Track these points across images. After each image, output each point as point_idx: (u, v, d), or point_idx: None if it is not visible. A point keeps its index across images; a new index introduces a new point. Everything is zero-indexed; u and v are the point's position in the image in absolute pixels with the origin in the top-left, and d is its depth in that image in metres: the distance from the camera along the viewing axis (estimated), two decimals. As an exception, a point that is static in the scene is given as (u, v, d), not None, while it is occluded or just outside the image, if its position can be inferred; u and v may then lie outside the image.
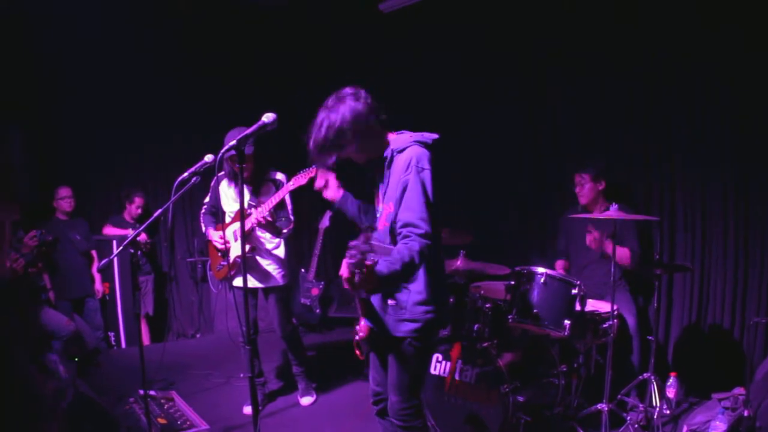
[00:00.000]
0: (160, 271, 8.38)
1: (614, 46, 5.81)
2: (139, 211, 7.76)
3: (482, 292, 5.06)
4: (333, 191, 3.54)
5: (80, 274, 7.22)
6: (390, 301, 3.21)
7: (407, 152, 3.10)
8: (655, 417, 4.73)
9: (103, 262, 4.25)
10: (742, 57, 5.03)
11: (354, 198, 3.55)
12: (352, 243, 2.63)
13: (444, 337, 4.70)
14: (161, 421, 5.00)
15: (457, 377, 4.56)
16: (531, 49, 6.48)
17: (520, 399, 4.36)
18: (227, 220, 5.27)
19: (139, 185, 8.05)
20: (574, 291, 4.57)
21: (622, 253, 5.22)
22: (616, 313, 4.77)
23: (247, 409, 5.36)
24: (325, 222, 7.66)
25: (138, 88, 7.70)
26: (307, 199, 5.44)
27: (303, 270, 7.89)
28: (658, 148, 5.71)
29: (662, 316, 5.71)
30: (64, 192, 7.11)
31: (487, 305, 4.89)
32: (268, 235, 5.20)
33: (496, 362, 4.39)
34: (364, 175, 3.45)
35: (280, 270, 5.26)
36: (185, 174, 3.96)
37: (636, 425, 4.63)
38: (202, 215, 5.48)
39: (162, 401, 5.39)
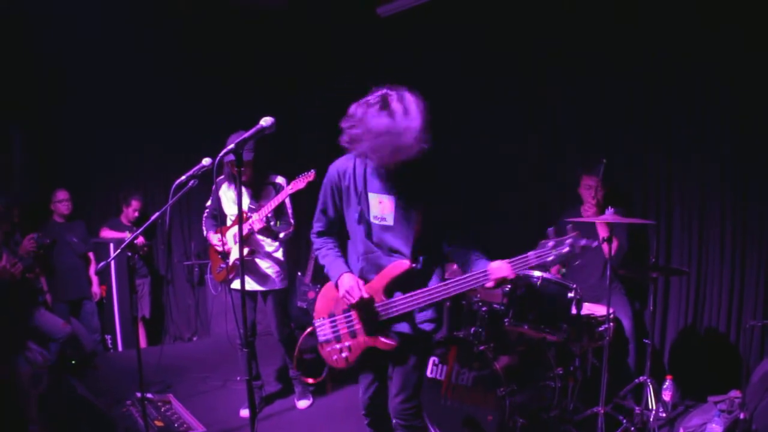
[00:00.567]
0: (156, 274, 8.37)
1: (614, 46, 5.82)
2: (136, 214, 7.76)
3: (479, 295, 5.07)
4: None
5: (77, 277, 7.22)
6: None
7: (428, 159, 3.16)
8: (651, 420, 4.75)
9: (101, 264, 4.26)
10: (742, 57, 5.04)
11: None
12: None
13: (441, 341, 4.71)
14: (158, 423, 5.00)
15: (453, 380, 4.57)
16: (531, 49, 6.47)
17: (517, 402, 4.37)
18: (228, 223, 5.28)
19: (138, 187, 8.04)
20: (570, 294, 4.59)
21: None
22: (612, 316, 4.78)
23: (244, 412, 5.37)
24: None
25: (138, 88, 7.70)
26: (305, 202, 5.43)
27: (300, 273, 7.89)
28: (657, 149, 5.71)
29: (658, 319, 5.71)
30: (62, 195, 7.11)
31: (484, 309, 4.90)
32: (268, 239, 5.22)
33: (493, 365, 4.40)
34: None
35: (279, 273, 5.27)
36: (183, 177, 3.96)
37: (632, 428, 4.63)
38: (204, 218, 5.49)
39: (159, 404, 5.39)
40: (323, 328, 3.49)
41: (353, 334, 3.35)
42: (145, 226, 4.23)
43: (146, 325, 8.02)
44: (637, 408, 4.84)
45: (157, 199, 8.28)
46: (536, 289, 4.69)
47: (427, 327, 3.33)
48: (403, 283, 3.22)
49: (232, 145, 2.99)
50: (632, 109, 5.84)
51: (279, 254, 5.30)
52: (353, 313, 3.34)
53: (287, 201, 5.10)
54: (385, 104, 2.98)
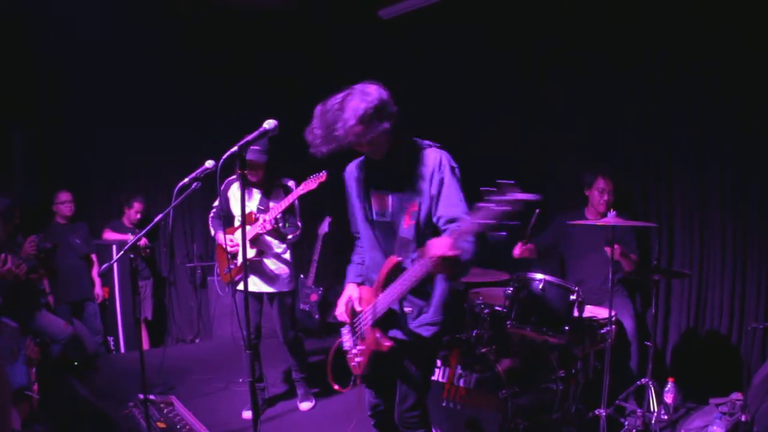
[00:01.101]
0: (159, 275, 8.39)
1: (614, 46, 5.82)
2: (138, 216, 7.77)
3: (481, 298, 5.08)
4: None
5: (80, 278, 7.23)
6: (407, 308, 3.23)
7: (431, 152, 3.16)
8: (653, 422, 4.75)
9: (104, 266, 4.27)
10: (743, 57, 5.05)
11: None
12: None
13: (443, 344, 4.71)
14: (161, 425, 5.00)
15: (456, 383, 4.57)
16: (531, 49, 6.48)
17: (519, 404, 4.37)
18: (236, 223, 5.29)
19: (139, 188, 8.09)
20: (572, 297, 4.59)
21: (630, 260, 5.27)
22: (614, 318, 4.79)
23: (247, 414, 5.38)
24: (324, 228, 7.69)
25: (138, 89, 7.71)
26: (309, 204, 5.45)
27: (302, 276, 7.90)
28: (657, 149, 5.71)
29: (660, 321, 5.72)
30: (64, 197, 7.13)
31: (486, 311, 4.90)
32: (276, 240, 5.24)
33: (495, 368, 4.40)
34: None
35: (287, 274, 5.30)
36: (186, 180, 3.97)
37: (634, 430, 4.64)
38: (210, 219, 5.51)
39: (161, 406, 5.39)
40: (345, 336, 3.53)
41: (362, 338, 3.35)
42: (147, 228, 4.24)
43: (149, 326, 8.04)
44: (638, 410, 4.84)
45: (159, 201, 8.30)
46: (538, 292, 4.69)
47: (425, 332, 3.24)
48: (395, 279, 3.16)
49: (235, 148, 2.99)
50: (632, 109, 5.84)
51: (287, 255, 5.31)
52: (360, 317, 3.35)
53: (296, 203, 5.12)
54: (339, 102, 3.08)
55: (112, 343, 7.56)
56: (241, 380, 6.13)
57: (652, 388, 4.88)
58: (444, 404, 4.59)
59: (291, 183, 5.19)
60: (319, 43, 8.32)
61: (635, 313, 5.43)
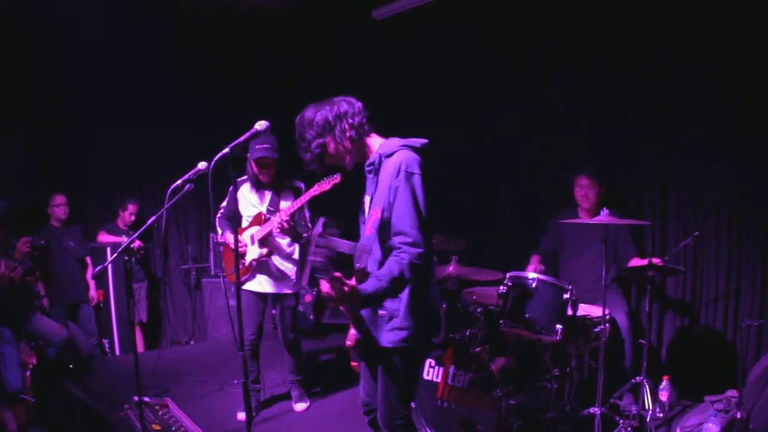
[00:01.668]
0: (153, 277, 8.38)
1: (617, 46, 5.82)
2: (132, 218, 7.77)
3: (474, 297, 5.08)
4: None
5: (74, 281, 7.23)
6: (381, 312, 3.12)
7: (396, 156, 3.05)
8: (648, 420, 4.74)
9: (98, 269, 4.27)
10: (745, 57, 5.04)
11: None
12: (312, 233, 2.71)
13: (437, 343, 4.71)
14: (156, 427, 4.99)
15: (450, 382, 4.57)
16: (533, 49, 6.48)
17: (513, 403, 4.37)
18: (245, 224, 5.31)
19: (139, 188, 8.12)
20: (566, 295, 4.59)
21: (635, 263, 5.29)
22: (608, 317, 4.79)
23: (241, 416, 5.38)
24: (318, 228, 7.67)
25: (138, 89, 7.72)
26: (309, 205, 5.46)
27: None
28: (659, 149, 5.70)
29: (655, 319, 5.72)
30: (59, 199, 7.13)
31: (480, 310, 4.91)
32: (285, 241, 5.25)
33: (489, 367, 4.40)
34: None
35: (294, 275, 5.34)
36: (179, 181, 3.97)
37: (629, 429, 4.64)
38: (218, 219, 5.51)
39: (156, 408, 5.38)
40: None
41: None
42: (141, 230, 4.24)
43: (143, 328, 8.04)
44: (633, 408, 4.84)
45: (154, 203, 8.29)
46: (532, 291, 4.69)
47: (394, 336, 3.10)
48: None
49: (226, 149, 3.00)
50: (634, 109, 5.84)
51: (296, 255, 5.37)
52: None
53: (306, 205, 5.14)
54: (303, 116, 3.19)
55: (107, 345, 7.56)
56: (236, 381, 6.13)
57: (647, 386, 4.87)
58: (438, 403, 4.59)
59: (301, 185, 5.22)
60: (319, 43, 8.33)
61: (629, 310, 5.43)
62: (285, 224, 4.88)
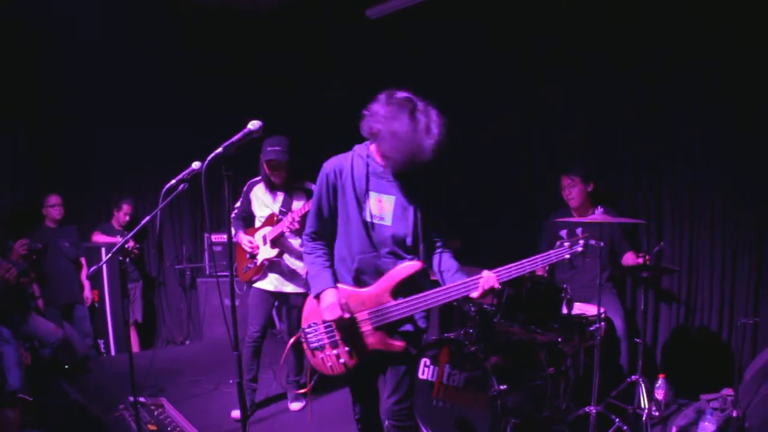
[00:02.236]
0: (148, 277, 8.37)
1: (614, 45, 5.82)
2: (127, 218, 7.76)
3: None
4: None
5: (69, 281, 7.22)
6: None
7: None
8: (643, 419, 4.74)
9: (92, 269, 4.26)
10: (742, 56, 5.05)
11: None
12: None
13: (432, 342, 4.71)
14: (151, 427, 4.98)
15: (445, 381, 4.57)
16: (531, 48, 6.49)
17: (509, 402, 4.37)
18: (258, 224, 5.36)
19: (139, 188, 8.14)
20: (561, 294, 4.59)
21: (628, 258, 5.32)
22: (603, 315, 4.79)
23: (235, 413, 5.37)
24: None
25: (138, 89, 7.71)
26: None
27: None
28: (657, 148, 5.71)
29: (650, 318, 5.72)
30: (54, 200, 7.11)
31: (474, 309, 4.91)
32: (297, 241, 5.28)
33: (484, 366, 4.39)
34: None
35: (305, 276, 5.32)
36: (173, 181, 3.95)
37: (625, 427, 4.64)
38: (232, 219, 5.54)
39: (152, 408, 5.37)
40: (316, 334, 3.45)
41: (358, 338, 3.32)
42: (135, 230, 4.22)
43: (138, 329, 8.02)
44: (629, 407, 4.85)
45: (149, 203, 8.28)
46: (527, 289, 4.69)
47: (423, 324, 3.41)
48: (411, 285, 3.25)
49: (219, 149, 3.00)
50: (632, 108, 5.84)
51: None
52: (358, 316, 3.32)
53: None
54: (412, 111, 3.12)
55: (102, 345, 7.54)
56: (231, 381, 6.12)
57: (643, 385, 4.87)
58: (433, 403, 4.59)
59: (312, 186, 5.22)
60: (318, 43, 8.32)
61: (625, 309, 5.43)
62: (296, 225, 4.92)
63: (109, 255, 4.10)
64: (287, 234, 5.16)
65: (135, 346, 7.81)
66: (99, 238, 7.62)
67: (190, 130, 7.97)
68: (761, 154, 5.04)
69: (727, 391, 4.68)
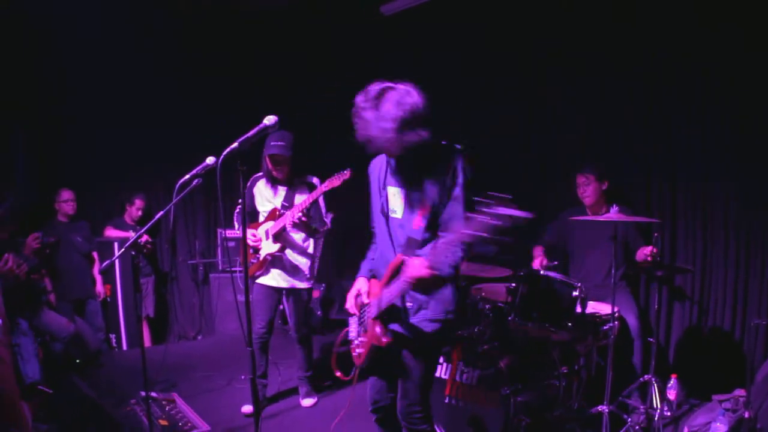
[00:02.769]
0: (160, 272, 8.39)
1: (614, 46, 5.81)
2: (140, 213, 7.79)
3: (483, 294, 5.07)
4: None
5: (81, 276, 7.24)
6: (408, 304, 3.29)
7: (448, 154, 3.34)
8: (656, 419, 4.73)
9: (105, 264, 4.27)
10: (742, 57, 5.03)
11: None
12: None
13: (446, 341, 4.70)
14: (163, 422, 5.00)
15: (458, 379, 4.57)
16: (531, 49, 6.47)
17: (521, 401, 4.36)
18: (261, 219, 5.35)
19: (140, 186, 8.09)
20: (575, 293, 4.58)
21: (643, 250, 5.28)
22: (616, 315, 4.78)
23: (246, 408, 5.39)
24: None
25: (138, 89, 7.71)
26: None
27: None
28: (658, 149, 5.70)
29: (663, 317, 5.71)
30: (66, 195, 7.13)
31: (488, 307, 4.90)
32: (299, 236, 5.28)
33: (497, 364, 4.39)
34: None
35: (308, 268, 5.38)
36: (187, 176, 3.96)
37: (637, 427, 4.63)
38: (235, 214, 5.70)
39: (163, 403, 5.40)
40: (352, 326, 3.57)
41: (365, 330, 3.38)
42: (149, 225, 4.23)
43: (150, 323, 8.05)
44: (641, 407, 4.83)
45: (161, 198, 8.32)
46: (541, 288, 4.68)
47: (426, 327, 3.28)
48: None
49: (235, 144, 3.00)
50: (632, 109, 5.83)
51: (310, 249, 5.43)
52: (366, 309, 3.39)
53: (321, 200, 5.21)
54: (375, 97, 3.10)
55: (114, 340, 7.56)
56: (243, 377, 6.14)
57: (655, 385, 4.86)
58: (446, 401, 4.59)
59: (315, 180, 5.27)
60: (319, 42, 8.30)
61: (638, 309, 5.41)
62: (298, 219, 4.92)
63: (122, 250, 4.11)
64: (289, 228, 5.15)
65: (147, 341, 7.85)
66: (111, 232, 7.65)
67: (190, 130, 8.01)
68: (761, 155, 5.04)
69: (740, 392, 4.66)
